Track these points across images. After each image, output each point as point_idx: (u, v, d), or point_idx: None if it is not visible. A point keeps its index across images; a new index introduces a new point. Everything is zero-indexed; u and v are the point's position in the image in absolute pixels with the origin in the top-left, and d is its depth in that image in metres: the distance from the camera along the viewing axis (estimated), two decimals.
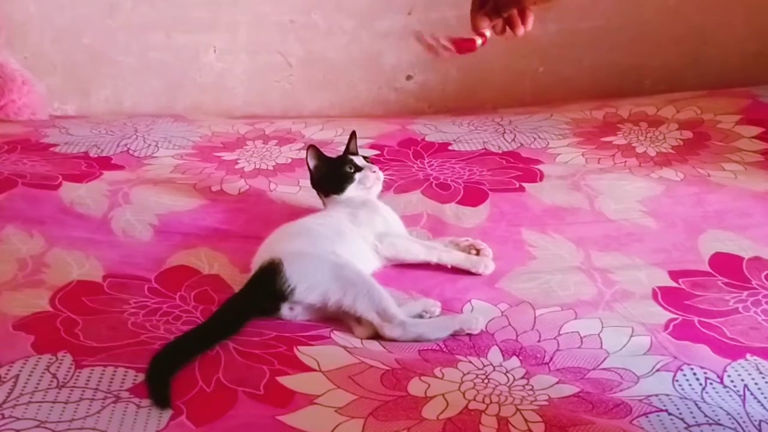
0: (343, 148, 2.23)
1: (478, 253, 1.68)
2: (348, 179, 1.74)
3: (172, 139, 2.34)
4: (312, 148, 1.78)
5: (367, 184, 1.75)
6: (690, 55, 2.66)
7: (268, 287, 1.49)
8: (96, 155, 2.22)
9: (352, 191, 1.74)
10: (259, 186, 2.04)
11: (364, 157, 1.82)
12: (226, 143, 2.33)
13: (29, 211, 1.86)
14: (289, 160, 2.20)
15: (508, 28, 1.29)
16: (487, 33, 1.30)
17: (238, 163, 2.19)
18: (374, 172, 1.76)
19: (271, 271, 1.49)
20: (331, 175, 1.77)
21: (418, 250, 1.68)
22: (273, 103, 2.72)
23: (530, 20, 1.28)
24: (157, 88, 2.71)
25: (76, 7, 2.60)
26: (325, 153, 1.82)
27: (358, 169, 1.76)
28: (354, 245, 1.61)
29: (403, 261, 1.68)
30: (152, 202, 1.93)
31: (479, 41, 1.31)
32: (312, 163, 1.78)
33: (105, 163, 2.17)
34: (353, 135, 1.87)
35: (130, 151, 2.25)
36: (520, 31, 1.28)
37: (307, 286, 1.48)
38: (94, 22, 2.62)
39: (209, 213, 1.91)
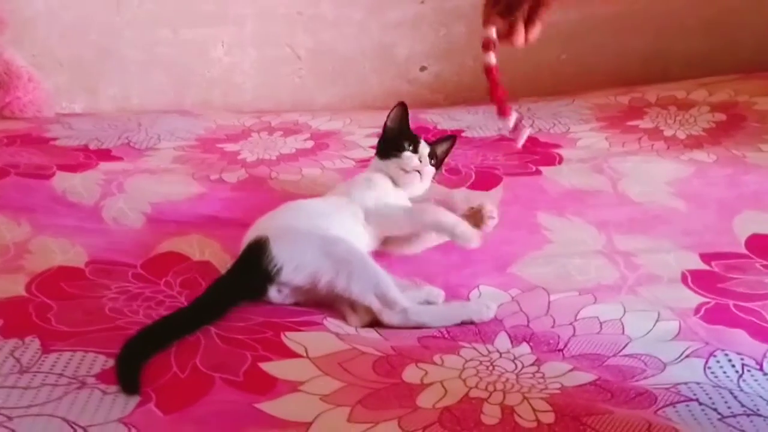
0: (348, 138, 2.14)
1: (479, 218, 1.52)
2: (396, 150, 1.62)
3: (175, 131, 2.25)
4: (400, 105, 1.67)
5: (405, 168, 1.61)
6: (720, 39, 2.52)
7: (253, 267, 1.36)
8: (96, 147, 2.13)
9: (389, 164, 1.62)
10: (260, 175, 1.93)
11: (436, 160, 1.67)
12: (230, 135, 2.23)
13: (20, 200, 1.77)
14: (293, 150, 2.10)
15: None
16: (493, 34, 1.23)
17: (240, 154, 2.08)
18: (420, 163, 1.61)
19: (257, 250, 1.37)
20: (391, 140, 1.65)
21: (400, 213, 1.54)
22: (282, 98, 2.62)
23: (537, 28, 1.21)
24: (165, 84, 2.62)
25: (83, 4, 2.52)
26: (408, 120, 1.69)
27: (414, 151, 1.62)
28: (349, 224, 1.48)
29: (390, 230, 1.54)
30: (147, 191, 1.83)
31: (492, 59, 1.25)
32: (390, 124, 1.67)
33: (104, 155, 2.07)
34: (450, 138, 1.74)
35: (131, 144, 2.16)
36: (519, 39, 1.21)
37: (295, 266, 1.35)
38: (101, 19, 2.54)
39: (206, 201, 1.81)
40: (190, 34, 2.56)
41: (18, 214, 1.70)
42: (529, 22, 1.21)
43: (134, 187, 1.85)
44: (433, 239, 1.56)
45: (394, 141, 1.64)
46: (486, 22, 1.23)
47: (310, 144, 2.14)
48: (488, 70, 1.25)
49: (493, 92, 1.26)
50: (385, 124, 1.69)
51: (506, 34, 1.21)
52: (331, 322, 1.33)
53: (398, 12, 2.57)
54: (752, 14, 2.54)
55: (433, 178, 1.66)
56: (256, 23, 2.56)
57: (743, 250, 1.52)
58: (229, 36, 2.58)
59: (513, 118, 1.27)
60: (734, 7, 2.53)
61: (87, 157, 2.04)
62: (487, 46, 1.24)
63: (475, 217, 1.51)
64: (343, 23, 2.57)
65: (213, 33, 2.57)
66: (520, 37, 1.20)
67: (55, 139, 2.19)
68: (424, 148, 1.64)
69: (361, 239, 1.49)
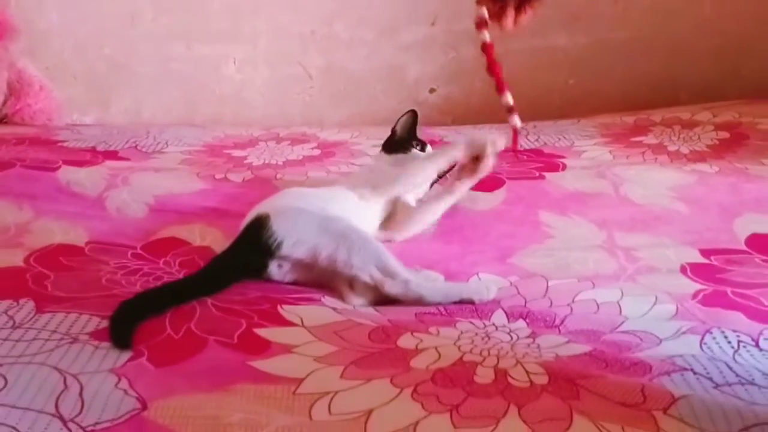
0: (355, 148, 2.16)
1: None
2: (404, 148, 1.68)
3: (183, 138, 2.27)
4: (411, 112, 1.73)
5: None
6: (728, 66, 2.54)
7: (254, 242, 1.37)
8: (103, 149, 2.14)
9: (396, 157, 1.68)
10: (265, 176, 1.94)
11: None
12: (238, 143, 2.24)
13: (23, 188, 1.78)
14: (300, 157, 2.10)
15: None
16: (485, 14, 1.25)
17: (247, 159, 2.09)
18: None
19: (258, 226, 1.37)
20: (398, 140, 1.71)
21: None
22: (293, 116, 2.63)
23: (528, 15, 1.21)
24: (177, 99, 2.64)
25: (97, 17, 2.56)
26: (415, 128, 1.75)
27: (422, 151, 1.70)
28: (349, 209, 1.49)
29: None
30: (151, 185, 1.84)
31: (487, 37, 1.27)
32: (398, 129, 1.72)
33: (110, 155, 2.09)
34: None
35: (139, 147, 2.17)
36: (509, 22, 1.21)
37: (296, 240, 1.35)
38: (115, 33, 2.57)
39: (210, 195, 1.81)
40: (203, 50, 2.59)
41: (20, 199, 1.71)
42: (520, 7, 1.21)
43: (139, 181, 1.86)
44: (429, 213, 1.60)
45: (402, 142, 1.69)
46: (479, 1, 1.25)
47: (317, 152, 2.15)
48: (485, 47, 1.27)
49: (491, 68, 1.28)
50: (394, 128, 1.72)
51: (496, 15, 1.23)
52: (329, 300, 1.33)
53: (409, 34, 2.59)
54: (760, 42, 2.56)
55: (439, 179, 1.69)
56: (269, 41, 2.59)
57: (743, 247, 1.51)
58: (242, 53, 2.60)
59: (508, 95, 1.29)
60: (742, 35, 2.55)
61: (94, 156, 2.06)
62: (480, 24, 1.26)
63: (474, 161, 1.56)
64: (356, 44, 2.60)
65: (226, 50, 2.60)
66: (509, 20, 1.21)
67: (63, 141, 2.21)
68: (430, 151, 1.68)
69: (363, 223, 1.49)
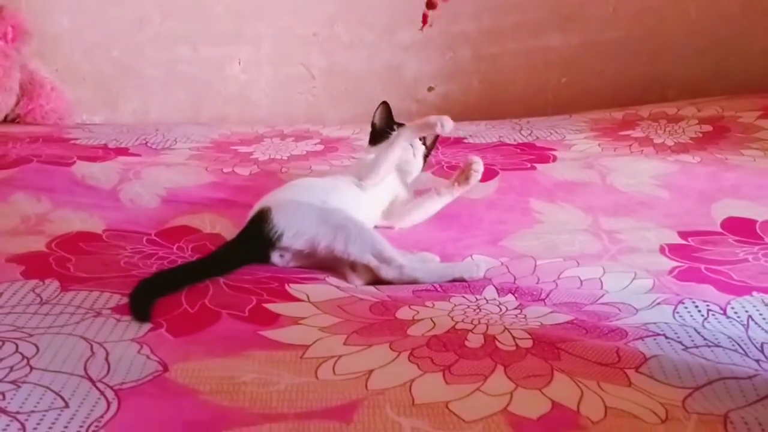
0: (357, 143, 2.25)
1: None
2: (384, 137, 1.75)
3: (191, 136, 2.37)
4: (383, 104, 1.81)
5: None
6: (713, 66, 2.63)
7: (257, 234, 1.47)
8: (114, 146, 2.24)
9: (382, 146, 1.74)
10: (271, 170, 2.04)
11: (424, 143, 1.81)
12: (243, 140, 2.34)
13: (40, 181, 1.88)
14: (304, 152, 2.20)
15: None
16: None
17: (253, 154, 2.19)
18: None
19: (260, 219, 1.47)
20: (380, 131, 1.79)
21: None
22: (296, 115, 2.72)
23: None
24: (183, 99, 2.73)
25: (106, 22, 2.66)
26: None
27: None
28: (350, 200, 1.59)
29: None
30: (162, 178, 1.94)
31: None
32: (377, 121, 1.80)
33: (122, 152, 2.18)
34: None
35: (148, 144, 2.27)
36: None
37: (295, 232, 1.45)
38: (124, 36, 2.67)
39: (218, 188, 1.91)
40: (209, 52, 2.68)
41: (38, 192, 1.81)
42: None
43: (150, 175, 1.96)
44: (429, 207, 1.69)
45: (381, 132, 1.78)
46: None
47: (320, 147, 2.25)
48: None
49: None
50: (373, 122, 1.82)
51: None
52: (333, 279, 1.43)
53: (408, 35, 2.69)
54: (743, 43, 2.65)
55: (426, 160, 1.79)
56: (273, 43, 2.69)
57: (718, 229, 1.62)
58: (246, 54, 2.70)
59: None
60: (727, 37, 2.65)
61: (106, 152, 2.16)
62: None
63: (464, 173, 1.66)
64: (356, 45, 2.70)
65: (231, 51, 2.69)
66: None
67: (75, 139, 2.30)
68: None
69: (363, 212, 1.59)
